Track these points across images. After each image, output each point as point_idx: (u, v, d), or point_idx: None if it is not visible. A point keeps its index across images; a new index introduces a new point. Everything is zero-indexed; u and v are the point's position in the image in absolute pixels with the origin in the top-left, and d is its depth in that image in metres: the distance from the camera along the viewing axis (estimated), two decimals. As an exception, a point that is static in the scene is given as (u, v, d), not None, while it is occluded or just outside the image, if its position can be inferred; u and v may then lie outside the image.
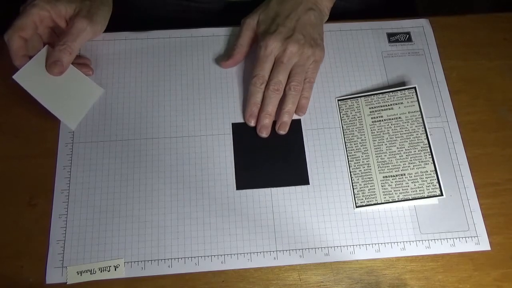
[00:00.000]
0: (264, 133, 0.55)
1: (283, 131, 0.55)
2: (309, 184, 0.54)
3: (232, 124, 0.57)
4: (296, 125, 0.57)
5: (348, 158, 0.55)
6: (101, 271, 0.49)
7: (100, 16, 0.56)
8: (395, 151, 0.55)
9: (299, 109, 0.57)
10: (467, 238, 0.52)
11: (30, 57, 0.53)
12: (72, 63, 0.55)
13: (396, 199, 0.53)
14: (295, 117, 0.57)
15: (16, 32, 0.51)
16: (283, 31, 0.55)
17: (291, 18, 0.56)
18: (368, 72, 0.60)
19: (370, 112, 0.57)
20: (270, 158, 0.55)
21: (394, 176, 0.53)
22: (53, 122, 0.56)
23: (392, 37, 0.62)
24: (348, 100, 0.58)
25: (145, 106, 0.57)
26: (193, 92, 0.58)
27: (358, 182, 0.54)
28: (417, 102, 0.56)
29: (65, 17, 0.54)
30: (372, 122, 0.56)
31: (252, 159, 0.55)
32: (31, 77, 0.52)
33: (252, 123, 0.56)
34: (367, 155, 0.55)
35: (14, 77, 0.51)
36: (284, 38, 0.55)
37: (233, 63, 0.59)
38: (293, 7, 0.57)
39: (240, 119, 0.57)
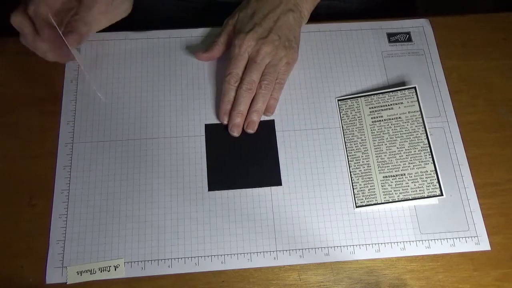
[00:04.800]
0: (236, 132, 0.55)
1: (251, 129, 0.55)
2: (281, 185, 0.54)
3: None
4: (269, 126, 0.56)
5: (348, 158, 0.55)
6: (101, 271, 0.49)
7: None
8: (395, 151, 0.55)
9: (267, 109, 0.57)
10: (467, 238, 0.52)
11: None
12: None
13: (396, 199, 0.53)
14: (268, 118, 0.57)
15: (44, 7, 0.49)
16: (259, 31, 0.56)
17: (269, 18, 0.56)
18: (368, 72, 0.60)
19: (370, 112, 0.57)
20: (243, 159, 0.55)
21: (394, 176, 0.53)
22: (53, 122, 0.56)
23: (392, 37, 0.62)
24: (348, 100, 0.58)
25: (145, 106, 0.57)
26: (193, 92, 0.58)
27: (358, 182, 0.54)
28: (417, 102, 0.56)
29: None
30: (372, 122, 0.56)
31: (225, 160, 0.55)
32: None
33: (225, 121, 0.56)
34: (367, 155, 0.55)
35: None
36: (259, 37, 0.55)
37: (209, 58, 0.59)
38: (272, 6, 0.57)
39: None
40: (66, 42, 0.51)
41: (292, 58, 0.57)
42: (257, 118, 0.56)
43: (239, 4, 0.68)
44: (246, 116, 0.56)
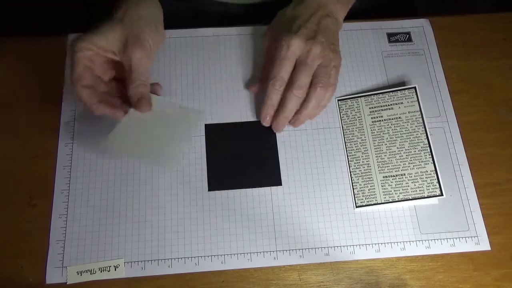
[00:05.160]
0: (279, 132, 0.55)
1: (296, 127, 0.56)
2: (281, 185, 0.54)
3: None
4: (269, 126, 0.56)
5: (348, 158, 0.55)
6: (101, 271, 0.49)
7: (146, 33, 0.52)
8: (395, 151, 0.55)
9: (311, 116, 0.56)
10: (467, 238, 0.52)
11: (103, 103, 0.51)
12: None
13: (396, 199, 0.53)
14: None
15: (78, 83, 0.49)
16: (305, 32, 0.54)
17: (311, 21, 0.55)
18: (368, 72, 0.60)
19: (370, 112, 0.57)
20: (243, 159, 0.54)
21: (394, 176, 0.53)
22: (53, 122, 0.56)
23: (392, 37, 0.62)
24: (348, 100, 0.58)
25: (145, 106, 0.57)
26: (193, 92, 0.58)
27: (358, 182, 0.54)
28: (417, 102, 0.56)
29: (111, 49, 0.51)
30: (372, 122, 0.56)
31: (225, 160, 0.54)
32: (120, 139, 0.51)
33: (267, 124, 0.55)
34: (367, 155, 0.55)
35: (105, 144, 0.51)
36: (307, 38, 0.53)
37: (261, 87, 0.57)
38: (312, 12, 0.56)
39: (246, 119, 0.57)
40: (140, 111, 0.51)
41: (338, 62, 0.56)
42: (305, 119, 0.55)
43: (239, 5, 0.68)
44: (294, 116, 0.55)
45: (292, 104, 0.53)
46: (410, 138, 0.55)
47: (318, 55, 0.53)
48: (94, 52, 0.50)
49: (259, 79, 0.58)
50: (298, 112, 0.55)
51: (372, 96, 0.58)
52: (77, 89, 0.50)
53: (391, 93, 0.57)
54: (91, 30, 0.50)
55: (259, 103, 0.58)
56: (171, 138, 0.53)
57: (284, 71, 0.53)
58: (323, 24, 0.55)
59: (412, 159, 0.54)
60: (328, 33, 0.55)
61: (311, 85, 0.54)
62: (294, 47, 0.53)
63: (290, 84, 0.53)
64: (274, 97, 0.54)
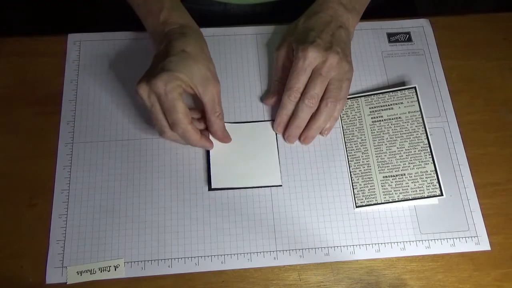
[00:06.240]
0: (292, 142, 0.56)
1: (306, 143, 0.55)
2: (281, 185, 0.54)
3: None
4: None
5: (348, 158, 0.55)
6: (101, 271, 0.49)
7: (214, 66, 0.54)
8: (395, 151, 0.55)
9: (325, 130, 0.56)
10: (467, 238, 0.52)
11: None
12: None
13: (396, 199, 0.53)
14: (269, 118, 0.57)
15: (186, 122, 0.49)
16: (321, 43, 0.53)
17: (326, 32, 0.54)
18: (368, 72, 0.60)
19: (370, 112, 0.57)
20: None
21: (394, 176, 0.53)
22: (53, 122, 0.56)
23: (392, 37, 0.62)
24: (348, 100, 0.58)
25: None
26: (193, 92, 0.58)
27: (358, 182, 0.54)
28: (417, 102, 0.56)
29: (191, 84, 0.51)
30: (372, 122, 0.56)
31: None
32: (223, 177, 0.53)
33: (280, 132, 0.56)
34: (367, 155, 0.55)
35: (213, 187, 0.53)
36: (324, 49, 0.53)
37: (274, 100, 0.57)
38: (325, 23, 0.55)
39: (238, 120, 0.57)
40: (226, 143, 0.55)
41: (351, 74, 0.55)
42: (316, 134, 0.55)
43: (239, 6, 0.67)
44: (304, 129, 0.55)
45: (304, 113, 0.53)
46: (410, 138, 0.55)
47: (334, 65, 0.53)
48: (183, 88, 0.50)
49: (273, 92, 0.57)
50: (308, 126, 0.54)
51: (372, 96, 0.58)
52: (186, 129, 0.49)
53: (391, 93, 0.57)
54: (163, 66, 0.49)
55: (258, 104, 0.58)
56: (261, 155, 0.55)
57: (300, 83, 0.53)
58: (337, 35, 0.55)
59: (412, 159, 0.54)
60: (342, 44, 0.55)
61: (322, 98, 0.53)
62: (311, 58, 0.52)
63: (303, 93, 0.53)
64: (289, 107, 0.54)
